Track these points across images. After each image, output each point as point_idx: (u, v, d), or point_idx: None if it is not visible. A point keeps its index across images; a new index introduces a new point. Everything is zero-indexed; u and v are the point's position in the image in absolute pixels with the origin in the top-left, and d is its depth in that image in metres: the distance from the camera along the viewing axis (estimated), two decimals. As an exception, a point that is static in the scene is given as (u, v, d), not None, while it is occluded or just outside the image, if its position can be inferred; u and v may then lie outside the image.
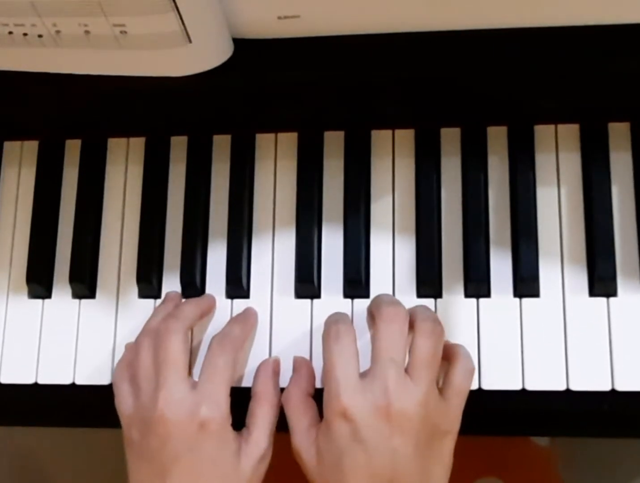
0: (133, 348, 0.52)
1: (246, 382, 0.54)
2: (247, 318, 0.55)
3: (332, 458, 0.47)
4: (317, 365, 0.53)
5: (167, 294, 0.57)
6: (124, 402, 0.50)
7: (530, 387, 0.52)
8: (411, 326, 0.50)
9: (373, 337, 0.49)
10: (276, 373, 0.53)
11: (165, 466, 0.48)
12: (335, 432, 0.46)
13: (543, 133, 0.56)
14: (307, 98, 0.55)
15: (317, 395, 0.51)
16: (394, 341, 0.48)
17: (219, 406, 0.49)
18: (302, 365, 0.53)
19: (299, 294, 0.56)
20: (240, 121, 0.59)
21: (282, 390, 0.53)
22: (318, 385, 0.53)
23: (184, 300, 0.56)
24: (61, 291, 0.59)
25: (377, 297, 0.53)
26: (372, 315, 0.51)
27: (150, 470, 0.48)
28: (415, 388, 0.47)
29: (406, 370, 0.48)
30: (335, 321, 0.51)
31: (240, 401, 0.52)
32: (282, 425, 0.51)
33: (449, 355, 0.51)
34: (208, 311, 0.56)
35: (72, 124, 0.61)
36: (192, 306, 0.54)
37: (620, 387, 0.51)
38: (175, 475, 0.48)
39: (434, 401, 0.47)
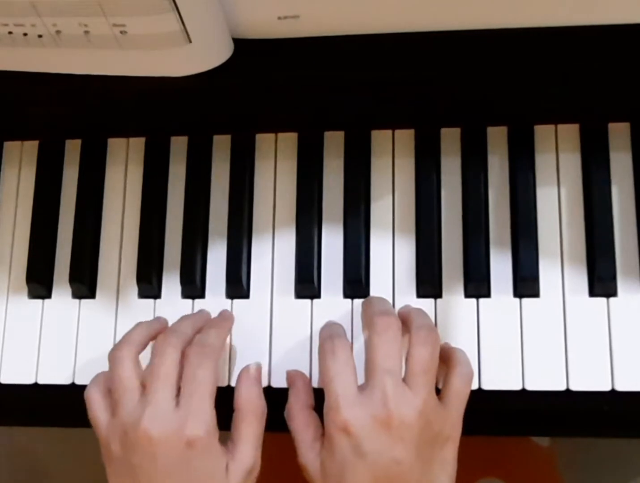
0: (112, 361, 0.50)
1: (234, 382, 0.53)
2: (222, 322, 0.54)
3: (336, 471, 0.47)
4: (317, 366, 0.53)
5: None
6: (100, 417, 0.49)
7: (530, 387, 0.52)
8: (405, 328, 0.50)
9: (368, 348, 0.49)
10: (258, 380, 0.52)
11: None
12: (337, 446, 0.46)
13: (543, 133, 0.56)
14: (307, 98, 0.55)
15: (318, 402, 0.50)
16: (389, 351, 0.48)
17: (205, 422, 0.47)
18: (297, 378, 0.52)
19: (299, 294, 0.56)
20: (240, 121, 0.59)
21: (280, 390, 0.53)
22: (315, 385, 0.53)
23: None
24: (61, 291, 0.59)
25: (369, 305, 0.52)
26: (365, 324, 0.51)
27: None
28: (414, 397, 0.46)
29: (404, 379, 0.47)
30: (329, 336, 0.50)
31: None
32: (280, 425, 0.51)
33: (447, 359, 0.51)
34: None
35: (72, 124, 0.61)
36: (189, 323, 0.52)
37: (620, 387, 0.51)
38: None
39: (434, 408, 0.47)
